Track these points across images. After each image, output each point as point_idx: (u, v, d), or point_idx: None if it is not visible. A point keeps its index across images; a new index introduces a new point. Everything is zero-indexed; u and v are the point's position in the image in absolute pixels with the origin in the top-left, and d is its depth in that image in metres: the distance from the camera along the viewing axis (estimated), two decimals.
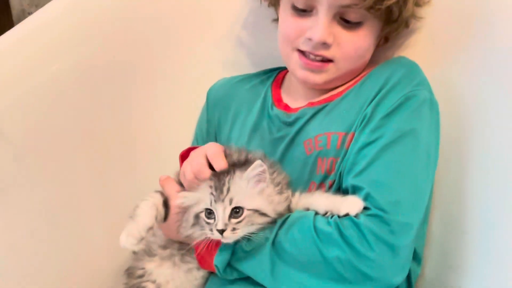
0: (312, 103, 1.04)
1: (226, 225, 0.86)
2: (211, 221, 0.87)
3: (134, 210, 0.92)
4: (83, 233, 1.14)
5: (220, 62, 1.25)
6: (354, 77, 1.04)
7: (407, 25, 1.05)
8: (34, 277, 1.07)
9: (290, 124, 1.04)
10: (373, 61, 1.07)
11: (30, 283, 1.06)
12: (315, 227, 0.87)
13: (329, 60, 0.99)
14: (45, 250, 1.09)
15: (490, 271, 0.90)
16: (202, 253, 0.92)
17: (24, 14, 2.14)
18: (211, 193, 0.88)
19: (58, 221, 1.11)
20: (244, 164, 0.91)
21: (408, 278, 0.97)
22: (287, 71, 1.13)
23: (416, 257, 0.98)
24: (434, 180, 0.97)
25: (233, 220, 0.86)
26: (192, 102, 1.23)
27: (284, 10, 1.01)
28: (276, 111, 1.07)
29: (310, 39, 0.97)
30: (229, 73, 1.22)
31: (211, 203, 0.88)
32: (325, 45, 0.97)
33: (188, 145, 1.23)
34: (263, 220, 0.88)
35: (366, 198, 0.88)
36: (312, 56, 0.99)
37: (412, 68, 0.99)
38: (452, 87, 1.03)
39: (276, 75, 1.15)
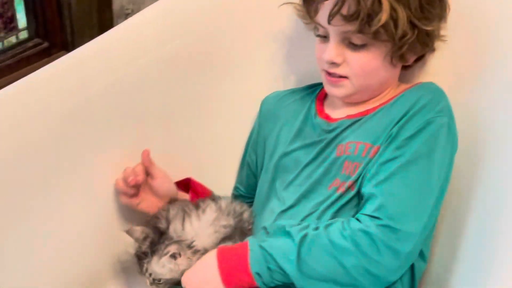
0: (350, 116, 1.21)
1: (151, 284, 1.15)
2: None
3: None
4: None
5: (273, 76, 1.43)
6: (380, 94, 1.21)
7: (427, 46, 1.18)
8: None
9: (329, 131, 1.22)
10: (405, 82, 1.24)
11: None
12: (331, 242, 1.04)
13: (345, 77, 1.17)
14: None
15: (495, 269, 0.99)
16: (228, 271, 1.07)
17: (123, 10, 2.36)
18: (137, 263, 1.16)
19: None
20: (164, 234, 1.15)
21: (412, 274, 1.13)
22: None
23: (422, 254, 1.13)
24: (443, 193, 1.12)
25: (156, 282, 1.14)
26: (246, 110, 1.42)
27: (316, 39, 1.21)
28: (319, 120, 1.25)
29: (324, 59, 1.17)
30: (280, 87, 1.41)
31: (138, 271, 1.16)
32: (335, 64, 1.16)
33: (237, 149, 1.44)
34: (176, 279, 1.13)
35: (379, 207, 1.04)
36: (331, 74, 1.18)
37: (437, 94, 1.15)
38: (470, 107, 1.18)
39: (320, 90, 1.33)
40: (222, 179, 1.40)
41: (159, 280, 1.14)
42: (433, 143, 1.09)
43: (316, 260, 1.04)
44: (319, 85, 1.34)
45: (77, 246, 1.26)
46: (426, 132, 1.10)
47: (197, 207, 1.20)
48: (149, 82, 1.32)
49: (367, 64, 1.16)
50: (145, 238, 1.15)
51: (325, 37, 1.18)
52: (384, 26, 1.10)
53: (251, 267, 1.05)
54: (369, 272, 1.03)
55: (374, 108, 1.20)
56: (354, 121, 1.20)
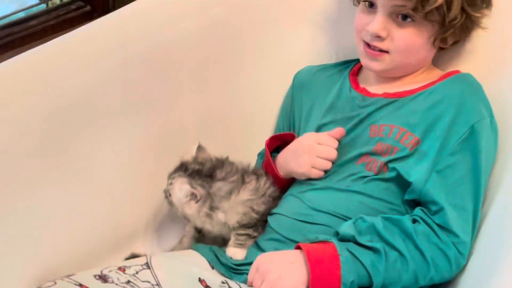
0: (387, 94, 1.22)
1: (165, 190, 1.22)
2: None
3: None
4: None
5: (308, 51, 1.44)
6: (414, 73, 1.21)
7: (468, 32, 1.20)
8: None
9: (364, 107, 1.22)
10: (438, 65, 1.25)
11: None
12: (413, 259, 1.05)
13: (385, 52, 1.17)
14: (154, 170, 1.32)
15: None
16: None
17: None
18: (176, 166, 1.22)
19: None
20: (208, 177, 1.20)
21: None
22: None
23: None
24: None
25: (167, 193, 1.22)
26: (279, 83, 1.43)
27: (359, 7, 1.21)
28: (355, 93, 1.25)
29: (368, 31, 1.17)
30: (314, 62, 1.41)
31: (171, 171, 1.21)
32: (379, 38, 1.16)
33: (270, 120, 1.45)
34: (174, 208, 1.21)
35: (451, 222, 1.06)
36: (372, 46, 1.18)
37: (479, 91, 1.17)
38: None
39: (354, 66, 1.33)
40: (252, 150, 1.41)
41: (169, 194, 1.20)
42: (481, 149, 1.11)
43: (397, 271, 1.05)
44: (353, 61, 1.35)
45: (110, 203, 1.30)
46: (475, 138, 1.11)
47: (243, 178, 1.22)
48: (187, 48, 1.34)
49: (411, 42, 1.16)
50: (200, 163, 1.21)
51: (371, 7, 1.18)
52: (438, 7, 1.11)
53: (343, 278, 1.03)
54: (433, 280, 1.08)
55: (412, 91, 1.20)
56: (390, 102, 1.20)
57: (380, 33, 1.16)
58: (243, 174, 1.23)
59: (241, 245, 1.22)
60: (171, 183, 1.20)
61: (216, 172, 1.20)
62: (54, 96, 1.18)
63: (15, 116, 1.13)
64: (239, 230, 1.22)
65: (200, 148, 1.24)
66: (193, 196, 1.17)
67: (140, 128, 1.31)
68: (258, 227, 1.23)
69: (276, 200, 1.25)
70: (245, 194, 1.20)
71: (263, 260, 1.08)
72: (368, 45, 1.19)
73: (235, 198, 1.20)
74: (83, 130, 1.22)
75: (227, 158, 1.26)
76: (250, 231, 1.22)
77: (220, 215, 1.20)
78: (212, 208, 1.18)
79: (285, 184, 1.28)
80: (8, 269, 1.16)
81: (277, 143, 1.34)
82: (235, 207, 1.20)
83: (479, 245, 1.10)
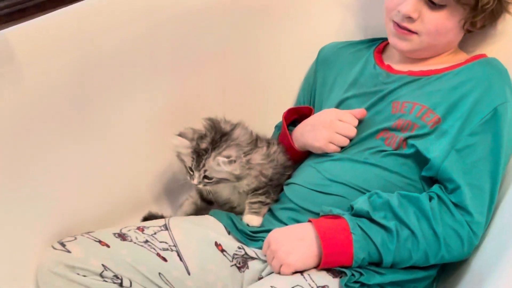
0: (411, 72, 1.22)
1: (199, 182, 1.19)
2: (191, 173, 1.20)
3: None
4: None
5: (334, 27, 1.45)
6: (440, 55, 1.22)
7: (494, 16, 1.20)
8: None
9: (387, 83, 1.23)
10: (463, 48, 1.25)
11: None
12: (425, 238, 1.06)
13: (414, 33, 1.18)
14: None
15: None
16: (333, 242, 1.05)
17: None
18: (192, 158, 1.18)
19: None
20: (226, 135, 1.19)
21: None
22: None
23: None
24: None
25: (205, 180, 1.19)
26: (302, 57, 1.44)
27: None
28: (379, 69, 1.26)
29: (399, 12, 1.17)
30: (339, 39, 1.42)
31: (192, 166, 1.19)
32: (410, 19, 1.16)
33: (291, 93, 1.47)
34: (227, 182, 1.20)
35: (467, 201, 1.07)
36: (401, 27, 1.18)
37: (504, 76, 1.17)
38: None
39: (379, 44, 1.34)
40: (272, 122, 1.43)
41: (211, 178, 1.19)
42: (503, 132, 1.11)
43: (408, 250, 1.07)
44: (378, 39, 1.36)
45: (129, 164, 1.32)
46: (497, 120, 1.11)
47: (256, 142, 1.24)
48: (214, 17, 1.36)
49: (441, 25, 1.17)
50: (202, 137, 1.20)
51: None
52: None
53: (355, 255, 1.04)
54: (444, 259, 1.09)
55: (437, 71, 1.21)
56: (414, 79, 1.21)
57: (412, 14, 1.16)
58: (257, 139, 1.25)
59: (256, 213, 1.24)
60: (205, 171, 1.18)
61: (222, 128, 1.21)
62: (86, 53, 1.20)
63: (50, 69, 1.15)
64: (252, 198, 1.24)
65: (182, 134, 1.21)
66: (229, 159, 1.16)
67: (163, 93, 1.33)
68: (269, 193, 1.24)
69: (287, 169, 1.27)
70: (257, 157, 1.21)
71: (274, 237, 1.10)
72: (398, 25, 1.20)
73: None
74: (109, 90, 1.25)
75: (239, 123, 1.26)
76: (262, 198, 1.24)
77: (254, 156, 1.21)
78: (247, 154, 1.19)
79: (299, 156, 1.29)
80: (29, 224, 1.19)
81: (294, 116, 1.35)
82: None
83: (494, 227, 1.11)
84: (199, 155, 1.18)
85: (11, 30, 1.07)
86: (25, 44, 1.11)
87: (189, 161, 1.20)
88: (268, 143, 1.27)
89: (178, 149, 1.22)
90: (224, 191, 1.27)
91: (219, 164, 1.16)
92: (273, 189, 1.25)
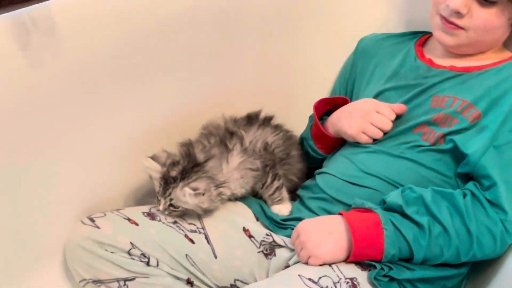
0: (453, 67, 1.20)
1: (165, 209, 1.15)
2: (158, 198, 1.16)
3: None
4: None
5: (374, 19, 1.43)
6: (485, 53, 1.20)
7: None
8: None
9: (428, 77, 1.21)
10: (508, 46, 1.22)
11: None
12: (457, 234, 1.04)
13: (461, 28, 1.15)
14: None
15: None
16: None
17: None
18: (160, 184, 1.15)
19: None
20: (198, 166, 1.15)
21: None
22: (431, 35, 1.30)
23: None
24: None
25: (171, 208, 1.15)
26: (341, 47, 1.43)
27: None
28: (420, 63, 1.25)
29: (448, 6, 1.15)
30: (379, 31, 1.41)
31: (158, 191, 1.16)
32: (458, 14, 1.14)
33: (327, 83, 1.46)
34: (192, 212, 1.15)
35: (503, 199, 1.05)
36: (448, 21, 1.16)
37: None
38: None
39: (420, 37, 1.32)
40: (308, 112, 1.40)
41: (177, 207, 1.15)
42: None
43: (439, 247, 1.05)
44: (419, 32, 1.34)
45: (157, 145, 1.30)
46: None
47: (226, 147, 1.20)
48: (255, 10, 1.35)
49: (490, 22, 1.15)
50: (174, 164, 1.16)
51: None
52: None
53: (385, 251, 1.03)
54: (476, 257, 1.07)
55: (480, 67, 1.19)
56: (456, 75, 1.19)
57: (461, 9, 1.14)
58: (224, 142, 1.21)
59: (280, 201, 1.22)
60: (170, 199, 1.14)
61: (196, 157, 1.17)
62: (125, 31, 1.19)
63: (90, 43, 1.15)
64: (267, 191, 1.22)
65: (155, 157, 1.18)
66: (196, 191, 1.12)
67: (200, 82, 1.32)
68: (277, 175, 1.21)
69: (276, 144, 1.25)
70: (235, 160, 1.19)
71: (304, 228, 1.09)
72: (445, 19, 1.17)
73: (227, 167, 1.18)
74: (147, 66, 1.24)
75: (191, 141, 1.23)
76: (275, 183, 1.21)
77: (228, 188, 1.17)
78: (218, 187, 1.16)
79: (332, 144, 1.28)
80: (60, 197, 1.20)
81: (327, 107, 1.34)
82: (232, 176, 1.18)
83: None
84: (167, 182, 1.15)
85: (55, 2, 1.07)
86: (68, 17, 1.11)
87: (157, 186, 1.17)
88: (238, 136, 1.23)
89: (148, 171, 1.19)
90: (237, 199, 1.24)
91: (185, 196, 1.12)
92: (276, 169, 1.22)
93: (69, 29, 1.10)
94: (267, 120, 1.30)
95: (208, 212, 1.18)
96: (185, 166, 1.15)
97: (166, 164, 1.16)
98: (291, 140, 1.31)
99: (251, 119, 1.29)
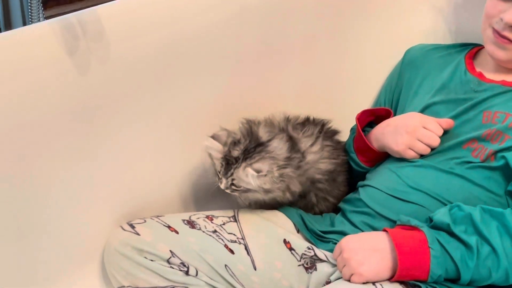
0: (505, 82, 1.17)
1: (226, 188, 1.14)
2: (219, 177, 1.15)
3: None
4: None
5: (423, 29, 1.41)
6: None
7: None
8: None
9: (479, 91, 1.18)
10: None
11: None
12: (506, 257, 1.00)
13: None
14: None
15: None
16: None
17: None
18: (221, 164, 1.13)
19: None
20: (261, 145, 1.12)
21: None
22: (481, 47, 1.27)
23: None
24: None
25: (233, 187, 1.13)
26: (388, 58, 1.40)
27: None
28: (470, 76, 1.22)
29: (502, 20, 1.12)
30: (427, 41, 1.38)
31: (220, 170, 1.14)
32: None
33: (372, 94, 1.44)
34: (255, 193, 1.14)
35: None
36: (501, 35, 1.13)
37: None
38: None
39: (471, 49, 1.29)
40: (351, 122, 1.37)
41: (239, 186, 1.14)
42: None
43: (488, 268, 1.01)
44: (469, 45, 1.31)
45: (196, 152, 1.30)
46: None
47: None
48: (301, 12, 1.33)
49: None
50: (235, 143, 1.13)
51: None
52: None
53: (431, 272, 0.99)
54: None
55: None
56: (507, 90, 1.16)
57: None
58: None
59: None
60: (232, 179, 1.13)
61: (259, 136, 1.14)
62: (172, 35, 1.18)
63: (135, 49, 1.14)
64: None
65: (215, 136, 1.16)
66: (259, 173, 1.10)
67: (244, 85, 1.31)
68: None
69: (326, 174, 1.22)
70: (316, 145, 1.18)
71: (347, 244, 1.06)
72: (498, 32, 1.14)
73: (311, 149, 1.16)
74: (186, 72, 1.23)
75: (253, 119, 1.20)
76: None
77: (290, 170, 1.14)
78: (281, 168, 1.13)
79: (376, 158, 1.25)
80: (100, 204, 1.19)
81: (370, 118, 1.31)
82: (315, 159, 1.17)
83: None
84: (229, 163, 1.13)
85: (103, 7, 1.07)
86: (115, 22, 1.10)
87: (218, 166, 1.15)
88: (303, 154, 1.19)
89: (209, 151, 1.17)
90: (303, 185, 1.21)
91: (248, 176, 1.10)
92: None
93: (115, 34, 1.10)
94: (330, 135, 1.27)
95: (269, 193, 1.15)
96: (248, 145, 1.13)
97: (227, 143, 1.14)
98: (342, 167, 1.28)
99: (313, 128, 1.24)
